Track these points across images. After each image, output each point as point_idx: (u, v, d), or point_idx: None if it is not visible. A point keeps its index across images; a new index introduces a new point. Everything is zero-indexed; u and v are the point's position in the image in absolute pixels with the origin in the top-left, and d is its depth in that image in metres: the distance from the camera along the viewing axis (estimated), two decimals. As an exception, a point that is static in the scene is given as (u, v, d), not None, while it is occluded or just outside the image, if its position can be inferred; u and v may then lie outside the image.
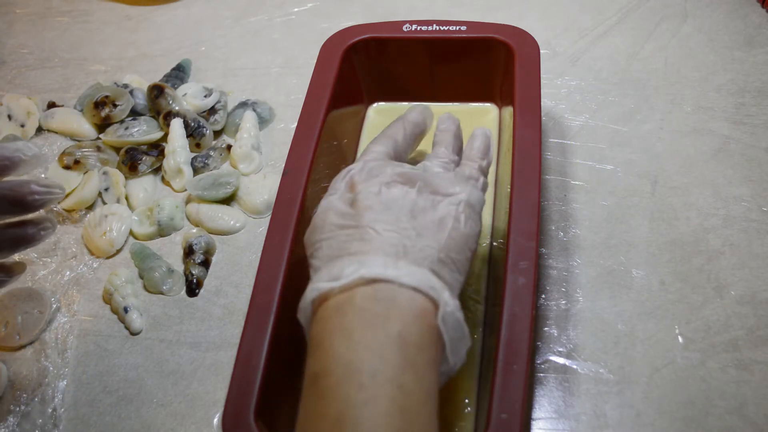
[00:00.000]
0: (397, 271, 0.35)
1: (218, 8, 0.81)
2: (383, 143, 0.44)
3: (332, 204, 0.40)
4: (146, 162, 0.63)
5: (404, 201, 0.38)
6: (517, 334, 0.40)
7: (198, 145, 0.64)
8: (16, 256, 0.44)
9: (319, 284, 0.36)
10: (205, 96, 0.67)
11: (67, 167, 0.63)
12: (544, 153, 0.60)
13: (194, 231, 0.58)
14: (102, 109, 0.65)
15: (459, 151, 0.45)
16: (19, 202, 0.39)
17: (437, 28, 0.57)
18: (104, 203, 0.62)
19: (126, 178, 0.63)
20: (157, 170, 0.64)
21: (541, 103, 0.50)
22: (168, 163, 0.62)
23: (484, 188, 0.42)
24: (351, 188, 0.40)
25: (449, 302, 0.35)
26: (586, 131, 0.62)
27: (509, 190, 0.46)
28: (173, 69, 0.72)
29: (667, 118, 0.62)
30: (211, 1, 0.82)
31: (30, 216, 0.41)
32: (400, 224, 0.37)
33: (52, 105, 0.71)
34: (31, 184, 0.39)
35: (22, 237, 0.41)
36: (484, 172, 0.43)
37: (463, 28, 0.57)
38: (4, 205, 0.38)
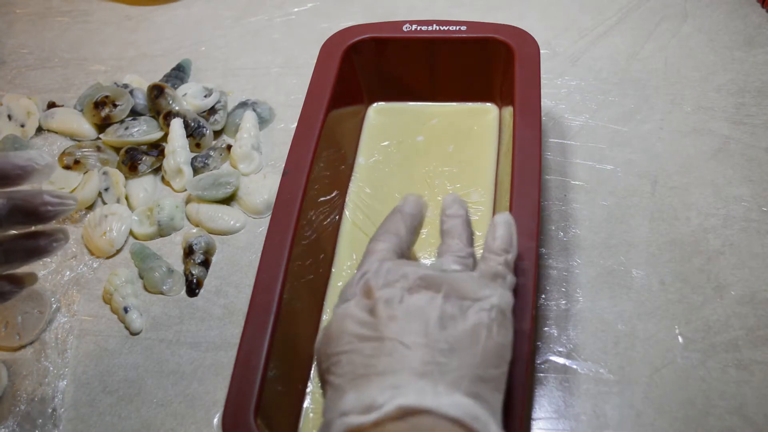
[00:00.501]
0: (437, 399, 0.31)
1: (218, 8, 0.81)
2: (386, 239, 0.40)
3: (349, 311, 0.35)
4: (146, 162, 0.63)
5: (431, 309, 0.34)
6: (517, 333, 0.39)
7: (198, 145, 0.64)
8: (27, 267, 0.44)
9: (348, 419, 0.31)
10: (205, 96, 0.67)
11: (67, 167, 0.63)
12: (544, 153, 0.60)
13: (194, 231, 0.58)
14: (102, 109, 0.65)
15: (471, 240, 0.41)
16: (32, 212, 0.38)
17: (437, 28, 0.57)
18: (104, 203, 0.62)
19: (126, 178, 0.63)
20: (157, 170, 0.64)
21: (541, 103, 0.50)
22: (168, 163, 0.62)
23: (512, 287, 0.38)
24: (368, 294, 0.36)
25: None
26: (586, 131, 0.62)
27: (509, 190, 0.46)
28: (173, 69, 0.72)
29: (667, 118, 0.62)
30: (211, 1, 0.82)
31: (42, 227, 0.40)
32: (429, 336, 0.33)
33: (52, 105, 0.71)
34: (44, 195, 0.38)
35: (35, 249, 0.40)
36: (510, 268, 0.39)
37: (463, 28, 0.57)
38: (16, 215, 0.38)
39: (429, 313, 0.34)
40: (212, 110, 0.67)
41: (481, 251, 0.39)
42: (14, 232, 0.40)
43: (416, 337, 0.33)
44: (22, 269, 0.42)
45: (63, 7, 0.84)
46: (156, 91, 0.66)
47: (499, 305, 0.35)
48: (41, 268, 0.58)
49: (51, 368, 0.52)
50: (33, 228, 0.40)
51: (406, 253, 0.41)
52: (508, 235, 0.39)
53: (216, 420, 0.48)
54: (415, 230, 0.42)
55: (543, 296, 0.51)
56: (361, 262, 0.39)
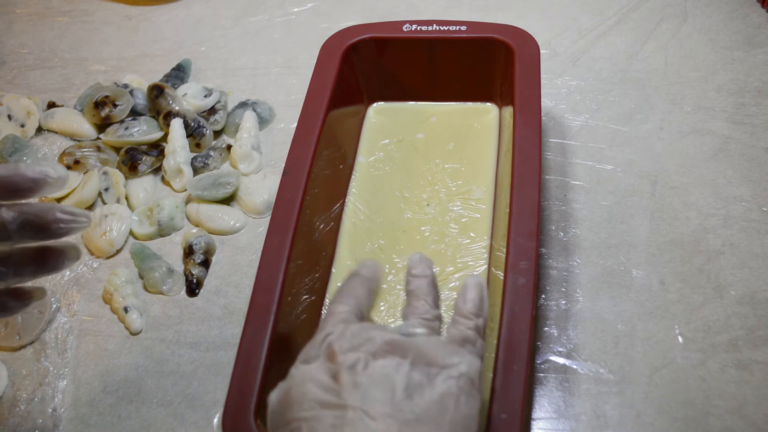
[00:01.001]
0: None
1: (218, 8, 0.81)
2: (346, 302, 0.38)
3: (311, 375, 0.34)
4: (146, 162, 0.63)
5: (397, 376, 0.33)
6: (517, 334, 0.40)
7: (198, 145, 0.64)
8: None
9: None
10: (205, 96, 0.67)
11: (67, 167, 0.63)
12: (544, 153, 0.60)
13: (194, 231, 0.58)
14: (102, 109, 0.65)
15: (437, 301, 0.39)
16: (43, 228, 0.37)
17: (437, 28, 0.57)
18: (104, 203, 0.62)
19: (126, 178, 0.63)
20: (157, 170, 0.64)
21: (541, 103, 0.51)
22: (168, 163, 0.62)
23: (481, 353, 0.37)
24: (331, 358, 0.34)
25: None
26: (586, 131, 0.62)
27: (509, 190, 0.46)
28: (173, 69, 0.72)
29: (667, 118, 0.62)
30: (211, 1, 0.82)
31: (55, 243, 0.39)
32: (395, 406, 0.32)
33: (52, 105, 0.71)
34: (56, 211, 0.37)
35: (45, 265, 0.39)
36: (481, 333, 0.37)
37: (463, 28, 0.57)
38: (27, 230, 0.37)
39: (395, 380, 0.33)
40: (212, 110, 0.67)
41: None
42: (25, 245, 0.39)
43: (381, 406, 0.32)
44: (31, 283, 0.41)
45: (63, 7, 0.84)
46: (156, 91, 0.66)
47: (468, 373, 0.34)
48: (41, 268, 0.58)
49: (51, 368, 0.52)
50: (45, 242, 0.40)
51: (365, 317, 0.40)
52: (479, 298, 0.38)
53: (216, 420, 0.48)
54: (374, 294, 0.40)
55: (543, 296, 0.51)
56: (321, 325, 0.38)
